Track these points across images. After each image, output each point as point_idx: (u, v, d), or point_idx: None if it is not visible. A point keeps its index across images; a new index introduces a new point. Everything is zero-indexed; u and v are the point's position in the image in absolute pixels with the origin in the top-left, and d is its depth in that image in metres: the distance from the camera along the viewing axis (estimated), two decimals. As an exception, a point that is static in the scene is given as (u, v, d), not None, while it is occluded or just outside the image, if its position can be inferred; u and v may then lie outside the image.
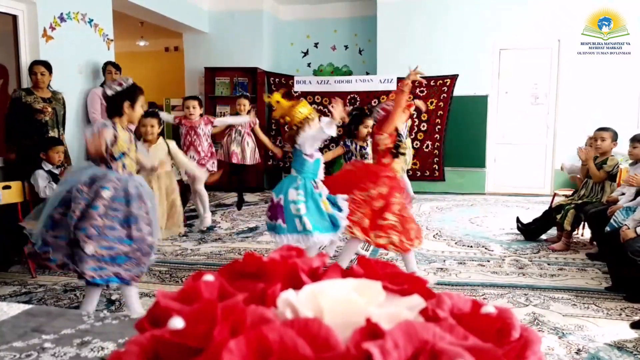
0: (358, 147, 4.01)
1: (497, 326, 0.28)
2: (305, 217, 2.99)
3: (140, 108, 2.65)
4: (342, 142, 4.14)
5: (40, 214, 2.38)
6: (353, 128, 3.96)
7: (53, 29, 4.73)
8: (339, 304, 0.28)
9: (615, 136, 4.18)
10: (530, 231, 4.59)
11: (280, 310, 0.28)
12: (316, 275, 0.34)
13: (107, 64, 5.16)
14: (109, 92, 2.58)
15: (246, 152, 5.35)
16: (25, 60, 4.58)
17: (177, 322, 0.26)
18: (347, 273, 0.35)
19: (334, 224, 3.07)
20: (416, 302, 0.30)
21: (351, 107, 5.03)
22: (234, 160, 5.33)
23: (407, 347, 0.24)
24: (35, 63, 4.34)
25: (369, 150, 3.93)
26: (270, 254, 0.37)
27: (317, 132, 3.09)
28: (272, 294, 0.30)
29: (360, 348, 0.22)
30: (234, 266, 0.34)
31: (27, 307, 1.09)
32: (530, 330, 0.28)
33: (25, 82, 4.55)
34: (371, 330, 0.24)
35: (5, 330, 0.95)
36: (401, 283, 0.31)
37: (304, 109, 3.20)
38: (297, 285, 0.32)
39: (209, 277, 0.31)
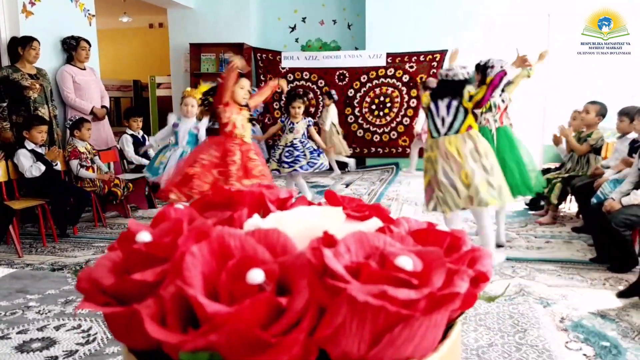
0: (289, 122, 4.86)
1: (449, 241, 0.30)
2: None
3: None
4: (280, 119, 4.95)
5: None
6: (290, 107, 4.82)
7: (33, 4, 4.62)
8: (301, 225, 0.29)
9: (601, 111, 4.21)
10: (532, 202, 4.73)
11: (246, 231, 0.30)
12: (284, 206, 0.35)
13: (78, 39, 4.89)
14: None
15: None
16: (5, 36, 4.48)
17: (144, 236, 0.27)
18: (314, 205, 0.36)
19: None
20: (374, 223, 0.31)
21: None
22: None
23: (358, 252, 0.25)
24: (33, 39, 4.28)
25: (297, 127, 4.79)
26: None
27: None
28: (238, 218, 0.31)
29: (315, 249, 0.24)
30: (204, 198, 0.35)
31: (11, 270, 1.10)
32: (482, 249, 0.30)
33: (6, 59, 4.46)
34: (327, 241, 0.25)
35: (-11, 292, 0.97)
36: (363, 211, 0.33)
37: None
38: (265, 213, 0.33)
39: (179, 205, 0.32)
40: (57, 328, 0.89)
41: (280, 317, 0.22)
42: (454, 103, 2.97)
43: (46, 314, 0.94)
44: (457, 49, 4.05)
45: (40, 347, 0.87)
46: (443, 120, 3.01)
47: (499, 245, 3.44)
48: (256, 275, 0.23)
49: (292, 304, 0.22)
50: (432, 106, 3.05)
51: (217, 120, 3.50)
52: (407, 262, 0.24)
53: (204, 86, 4.27)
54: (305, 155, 4.86)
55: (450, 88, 2.98)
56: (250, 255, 0.25)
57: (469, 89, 2.97)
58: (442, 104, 3.00)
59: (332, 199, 0.36)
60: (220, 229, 0.26)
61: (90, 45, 4.96)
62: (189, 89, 4.40)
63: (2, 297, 0.97)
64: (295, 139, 4.82)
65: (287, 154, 4.81)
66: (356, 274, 0.23)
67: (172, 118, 4.48)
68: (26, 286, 0.96)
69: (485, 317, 2.16)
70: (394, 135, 7.32)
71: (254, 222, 0.30)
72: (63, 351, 0.85)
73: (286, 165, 4.79)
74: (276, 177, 6.43)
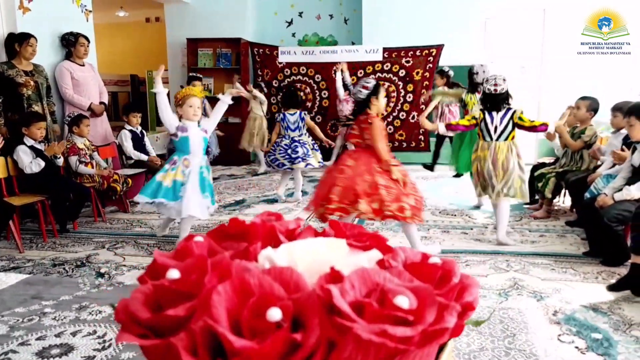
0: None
1: (440, 273, 0.33)
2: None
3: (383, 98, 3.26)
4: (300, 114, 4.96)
5: None
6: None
7: (30, 0, 4.61)
8: (309, 257, 0.33)
9: (592, 106, 4.24)
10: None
11: (261, 264, 0.33)
12: (292, 235, 0.39)
13: (77, 35, 4.91)
14: (361, 97, 3.20)
15: None
16: (2, 32, 4.48)
17: (173, 273, 0.31)
18: (319, 234, 0.40)
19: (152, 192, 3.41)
20: (374, 255, 0.35)
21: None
22: None
23: (361, 288, 0.29)
24: (30, 35, 4.27)
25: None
26: (252, 219, 0.42)
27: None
28: (253, 251, 0.34)
29: (324, 288, 0.27)
30: (220, 229, 0.38)
31: (24, 276, 1.13)
32: (470, 278, 0.33)
33: (4, 56, 4.45)
34: (334, 276, 0.29)
35: (6, 298, 1.00)
36: (364, 241, 0.37)
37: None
38: (276, 244, 0.36)
39: (199, 239, 0.36)
40: (73, 334, 0.92)
41: (296, 351, 0.25)
42: (507, 116, 3.66)
43: (62, 320, 0.97)
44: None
45: (59, 353, 0.90)
46: (496, 128, 3.67)
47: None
48: (275, 314, 0.27)
49: (306, 340, 0.26)
50: (487, 116, 3.67)
51: (366, 132, 3.16)
52: (404, 301, 0.27)
53: (198, 88, 3.79)
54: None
55: (500, 100, 3.68)
56: (267, 292, 0.28)
57: (520, 109, 3.72)
58: (498, 116, 3.67)
59: (336, 227, 0.40)
60: (238, 263, 0.29)
61: (88, 41, 4.96)
62: (187, 87, 3.76)
63: (18, 303, 1.00)
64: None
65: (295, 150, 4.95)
66: (360, 310, 0.27)
67: (173, 119, 3.46)
68: (40, 292, 0.99)
69: (477, 322, 2.21)
70: (390, 129, 7.34)
71: (267, 253, 0.34)
72: (81, 357, 0.88)
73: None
74: (270, 172, 6.47)
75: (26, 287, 1.02)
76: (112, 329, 0.95)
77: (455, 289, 0.31)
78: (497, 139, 3.64)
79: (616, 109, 3.95)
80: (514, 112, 3.65)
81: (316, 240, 0.36)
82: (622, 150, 3.50)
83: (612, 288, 2.77)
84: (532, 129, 3.67)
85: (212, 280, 0.29)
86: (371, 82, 3.27)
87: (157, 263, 0.33)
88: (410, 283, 0.29)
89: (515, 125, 3.63)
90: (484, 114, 3.69)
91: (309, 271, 0.30)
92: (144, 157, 5.08)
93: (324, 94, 7.46)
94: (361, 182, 3.10)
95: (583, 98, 4.33)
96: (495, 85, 3.66)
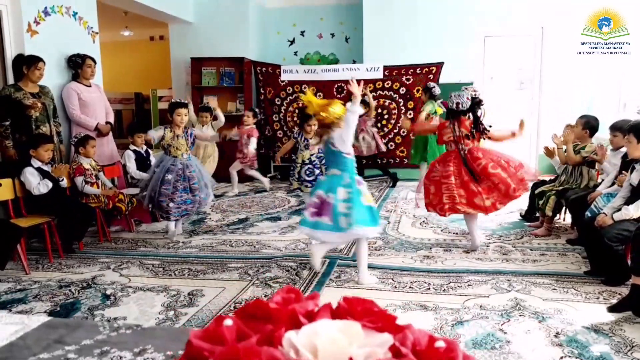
0: (303, 139, 4.88)
1: (445, 357, 0.37)
2: (354, 214, 3.07)
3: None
4: (293, 135, 4.96)
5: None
6: (305, 124, 4.92)
7: (38, 23, 4.70)
8: (328, 344, 0.37)
9: (587, 124, 4.29)
10: (528, 214, 4.85)
11: (286, 350, 0.37)
12: (311, 315, 0.43)
13: (84, 57, 4.98)
14: (467, 106, 3.89)
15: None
16: (10, 55, 4.56)
17: (212, 367, 0.35)
18: (335, 313, 0.44)
19: (374, 217, 3.21)
20: (386, 339, 0.39)
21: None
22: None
23: (376, 380, 0.33)
24: (39, 59, 4.34)
25: (311, 141, 4.80)
26: (274, 297, 0.46)
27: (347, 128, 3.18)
28: (278, 336, 0.39)
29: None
30: (246, 309, 0.43)
31: (46, 319, 1.17)
32: (470, 357, 0.37)
33: (11, 78, 4.52)
34: (352, 368, 0.33)
35: (30, 343, 1.03)
36: (376, 321, 0.41)
37: (337, 108, 3.26)
38: (297, 325, 0.41)
39: (228, 322, 0.40)
40: (97, 382, 0.96)
41: None
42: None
43: (85, 366, 1.00)
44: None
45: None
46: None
47: None
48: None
49: None
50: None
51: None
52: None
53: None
54: (322, 172, 4.91)
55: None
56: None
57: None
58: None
59: (349, 303, 0.44)
60: (267, 352, 0.33)
61: (95, 62, 5.05)
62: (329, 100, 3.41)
63: (42, 348, 1.04)
64: (312, 154, 4.84)
65: (307, 172, 4.82)
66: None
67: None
68: (62, 336, 1.02)
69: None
70: (391, 146, 7.41)
71: (290, 338, 0.38)
72: (107, 407, 0.91)
73: (309, 184, 4.73)
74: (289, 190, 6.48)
75: (48, 330, 1.05)
76: (133, 377, 0.99)
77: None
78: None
79: (615, 128, 4.00)
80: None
81: (333, 323, 0.40)
82: (622, 172, 3.56)
83: (612, 309, 2.79)
84: None
85: (246, 373, 0.33)
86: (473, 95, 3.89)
87: (193, 346, 0.37)
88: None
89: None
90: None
91: (328, 356, 0.34)
92: (146, 176, 5.11)
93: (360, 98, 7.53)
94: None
95: (582, 117, 4.39)
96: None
